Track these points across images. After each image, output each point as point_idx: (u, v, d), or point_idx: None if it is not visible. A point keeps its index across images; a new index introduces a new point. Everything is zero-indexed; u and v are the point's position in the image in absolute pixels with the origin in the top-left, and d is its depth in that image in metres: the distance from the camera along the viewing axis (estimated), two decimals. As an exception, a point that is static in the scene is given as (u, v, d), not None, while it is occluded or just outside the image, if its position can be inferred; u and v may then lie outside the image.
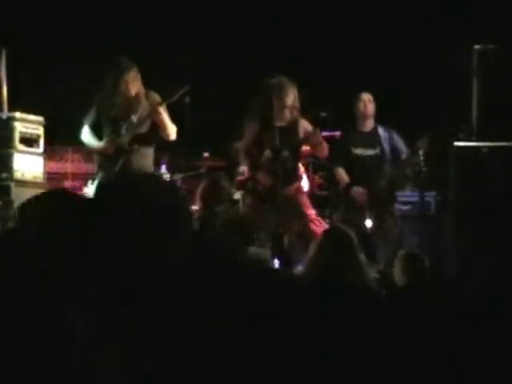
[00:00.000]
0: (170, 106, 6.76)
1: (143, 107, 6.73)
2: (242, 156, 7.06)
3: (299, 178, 7.14)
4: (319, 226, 6.71)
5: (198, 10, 9.03)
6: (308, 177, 7.99)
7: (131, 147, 6.72)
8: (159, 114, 6.61)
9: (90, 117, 6.88)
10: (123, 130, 6.73)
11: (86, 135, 6.89)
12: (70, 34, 8.78)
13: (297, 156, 6.93)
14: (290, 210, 6.77)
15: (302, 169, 7.44)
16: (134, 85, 6.71)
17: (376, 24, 8.79)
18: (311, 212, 6.90)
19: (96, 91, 6.86)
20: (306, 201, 6.97)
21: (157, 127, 6.74)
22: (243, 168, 7.47)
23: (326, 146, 6.90)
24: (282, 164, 6.79)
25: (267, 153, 6.84)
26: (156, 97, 6.78)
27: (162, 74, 7.46)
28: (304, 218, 6.80)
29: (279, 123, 6.84)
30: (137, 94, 6.73)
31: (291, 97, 6.87)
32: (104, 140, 6.78)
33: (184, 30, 8.99)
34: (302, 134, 6.88)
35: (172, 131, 6.73)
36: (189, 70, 8.28)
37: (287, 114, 6.85)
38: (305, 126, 6.90)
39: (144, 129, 6.77)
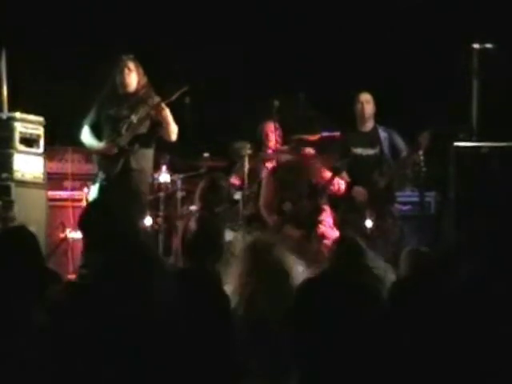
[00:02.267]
0: (169, 106, 6.77)
1: (143, 107, 6.73)
2: (264, 212, 6.98)
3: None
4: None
5: (198, 9, 9.02)
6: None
7: (131, 147, 6.72)
8: (163, 109, 6.61)
9: (90, 117, 6.89)
10: (123, 130, 6.73)
11: (86, 135, 6.90)
12: (70, 34, 8.78)
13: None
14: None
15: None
16: (137, 83, 6.72)
17: (376, 23, 8.79)
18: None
19: (96, 91, 6.87)
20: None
21: (157, 127, 6.73)
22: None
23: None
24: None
25: (287, 205, 6.84)
26: (156, 97, 6.78)
27: (162, 74, 7.45)
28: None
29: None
30: (139, 93, 6.73)
31: None
32: (104, 140, 6.79)
33: (184, 29, 8.99)
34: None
35: (174, 131, 6.72)
36: (188, 69, 8.28)
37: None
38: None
39: (144, 129, 6.77)
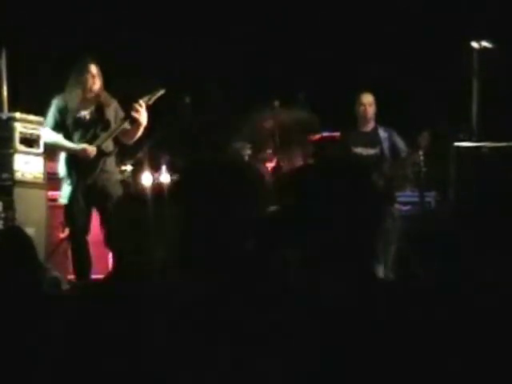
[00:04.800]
0: (169, 107, 6.77)
1: (113, 108, 6.76)
2: None
3: None
4: None
5: (198, 9, 9.03)
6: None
7: (112, 150, 6.77)
8: (140, 107, 6.62)
9: (52, 119, 6.84)
10: (98, 132, 6.75)
11: (54, 136, 6.86)
12: (70, 34, 8.78)
13: None
14: None
15: None
16: (99, 82, 6.74)
17: (376, 23, 8.79)
18: None
19: (56, 91, 6.86)
20: None
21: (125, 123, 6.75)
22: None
23: None
24: None
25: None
26: (120, 109, 6.79)
27: (162, 75, 7.46)
28: None
29: None
30: (103, 95, 6.76)
31: None
32: (78, 142, 6.76)
33: (184, 29, 8.99)
34: None
35: (139, 133, 6.77)
36: (188, 69, 8.28)
37: None
38: None
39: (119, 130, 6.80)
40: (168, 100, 6.86)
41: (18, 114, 7.43)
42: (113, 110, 6.80)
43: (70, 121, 6.78)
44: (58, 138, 6.86)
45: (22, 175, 7.34)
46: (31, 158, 7.45)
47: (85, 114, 6.76)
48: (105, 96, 6.80)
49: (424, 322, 2.14)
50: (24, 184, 7.32)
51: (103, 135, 6.74)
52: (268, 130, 7.25)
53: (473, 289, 2.30)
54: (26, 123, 7.45)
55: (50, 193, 7.71)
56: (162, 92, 6.70)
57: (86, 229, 6.75)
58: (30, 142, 7.47)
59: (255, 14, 9.01)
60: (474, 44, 7.80)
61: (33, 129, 7.50)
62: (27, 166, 7.40)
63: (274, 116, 7.44)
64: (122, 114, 6.79)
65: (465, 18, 8.30)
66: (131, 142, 6.89)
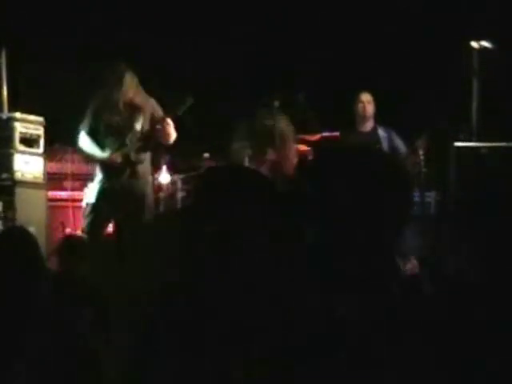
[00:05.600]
0: (169, 108, 6.76)
1: (145, 115, 6.72)
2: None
3: None
4: None
5: (198, 9, 9.03)
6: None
7: (139, 158, 6.72)
8: (168, 124, 6.61)
9: (87, 124, 6.80)
10: (128, 141, 6.70)
11: (86, 143, 6.81)
12: (70, 35, 8.78)
13: None
14: None
15: None
16: (134, 91, 6.70)
17: (376, 23, 8.79)
18: None
19: (93, 97, 6.82)
20: None
21: (155, 135, 6.72)
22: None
23: None
24: None
25: None
26: (158, 108, 6.76)
27: (162, 77, 7.46)
28: None
29: None
30: (137, 101, 6.71)
31: None
32: (108, 150, 6.71)
33: (184, 29, 8.99)
34: None
35: (173, 139, 6.74)
36: (188, 69, 8.28)
37: None
38: None
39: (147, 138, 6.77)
40: (170, 100, 6.86)
41: (18, 114, 7.44)
42: (148, 112, 6.73)
43: (102, 128, 6.74)
44: (89, 147, 6.79)
45: (22, 175, 7.35)
46: (31, 157, 7.46)
47: (116, 120, 6.71)
48: (139, 100, 6.72)
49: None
50: (24, 184, 7.34)
51: (131, 144, 6.70)
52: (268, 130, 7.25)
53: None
54: (26, 123, 7.46)
55: (50, 193, 7.73)
56: (191, 101, 6.68)
57: (100, 232, 6.71)
58: (30, 141, 7.48)
59: (255, 13, 9.01)
60: (474, 44, 7.80)
61: (33, 129, 7.51)
62: (27, 166, 7.41)
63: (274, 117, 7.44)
64: (159, 113, 6.74)
65: (465, 17, 8.29)
66: (167, 144, 6.83)
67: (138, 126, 6.69)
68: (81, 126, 6.82)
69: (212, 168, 2.53)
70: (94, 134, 6.75)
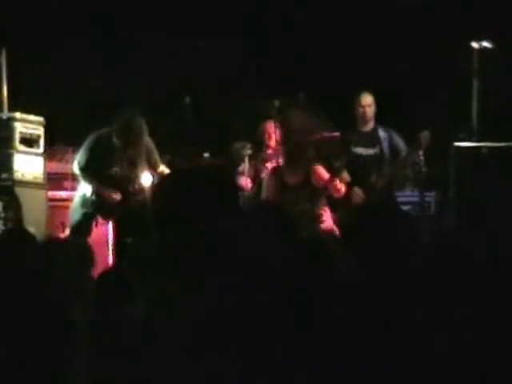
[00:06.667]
0: (169, 108, 6.77)
1: (144, 152, 6.73)
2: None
3: None
4: None
5: (198, 9, 9.03)
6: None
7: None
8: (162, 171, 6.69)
9: (84, 162, 6.83)
10: (130, 188, 6.74)
11: (87, 188, 6.87)
12: (70, 34, 8.79)
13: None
14: None
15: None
16: (141, 138, 6.65)
17: (376, 23, 8.79)
18: None
19: (97, 144, 6.78)
20: None
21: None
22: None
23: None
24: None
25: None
26: (153, 151, 6.76)
27: (162, 79, 7.46)
28: None
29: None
30: (140, 150, 6.69)
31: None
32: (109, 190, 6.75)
33: (184, 29, 9.00)
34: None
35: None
36: (188, 70, 8.29)
37: None
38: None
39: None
40: (168, 100, 6.86)
41: (18, 114, 7.44)
42: (144, 154, 6.74)
43: (103, 176, 6.76)
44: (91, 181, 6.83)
45: (22, 175, 7.35)
46: (31, 157, 7.46)
47: (116, 171, 6.73)
48: (141, 145, 6.71)
49: None
50: (24, 184, 7.33)
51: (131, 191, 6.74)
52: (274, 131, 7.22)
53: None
54: (25, 123, 7.46)
55: (50, 193, 7.72)
56: (188, 101, 6.69)
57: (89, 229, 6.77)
58: (29, 141, 7.48)
59: (255, 13, 9.02)
60: (474, 44, 7.81)
61: (33, 129, 7.51)
62: (27, 166, 7.41)
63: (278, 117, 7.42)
64: (151, 148, 6.72)
65: (465, 17, 8.30)
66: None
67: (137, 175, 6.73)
68: (77, 160, 6.84)
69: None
70: (90, 171, 6.78)
